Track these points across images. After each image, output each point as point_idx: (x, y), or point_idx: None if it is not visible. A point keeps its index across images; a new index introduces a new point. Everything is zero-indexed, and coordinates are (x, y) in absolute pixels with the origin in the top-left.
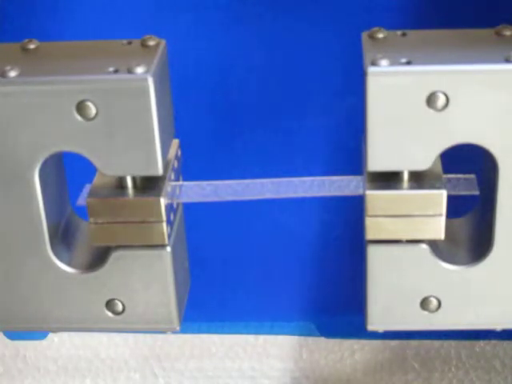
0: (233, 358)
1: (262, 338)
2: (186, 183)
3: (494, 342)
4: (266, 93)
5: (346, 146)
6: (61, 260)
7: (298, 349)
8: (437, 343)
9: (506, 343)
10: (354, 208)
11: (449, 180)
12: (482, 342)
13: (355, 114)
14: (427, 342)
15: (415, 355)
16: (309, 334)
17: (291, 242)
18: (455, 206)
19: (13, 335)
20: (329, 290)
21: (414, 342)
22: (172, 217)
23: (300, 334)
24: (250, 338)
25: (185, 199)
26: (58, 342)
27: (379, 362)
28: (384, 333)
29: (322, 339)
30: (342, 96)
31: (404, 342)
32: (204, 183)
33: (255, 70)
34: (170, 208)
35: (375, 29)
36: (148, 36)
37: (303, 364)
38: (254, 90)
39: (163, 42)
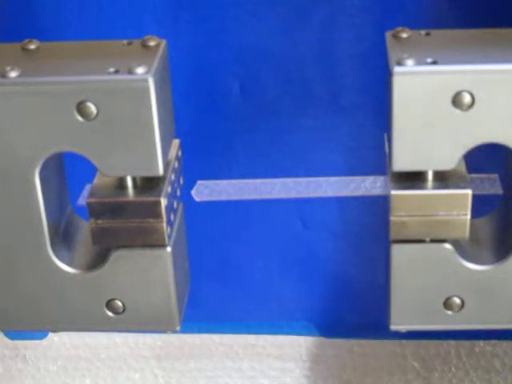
0: (233, 357)
1: (262, 337)
2: (203, 182)
3: (493, 341)
4: (266, 93)
5: (341, 147)
6: (61, 260)
7: (297, 349)
8: (437, 343)
9: (505, 343)
10: (355, 208)
11: (472, 180)
12: (481, 342)
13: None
14: (427, 342)
15: (415, 355)
16: (309, 333)
17: (291, 242)
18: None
19: (13, 335)
20: (329, 289)
21: (413, 342)
22: (172, 217)
23: (300, 334)
24: (250, 337)
25: (214, 197)
26: (58, 342)
27: (379, 362)
28: (384, 333)
29: (322, 339)
30: (340, 96)
31: (404, 342)
32: (225, 182)
33: (256, 70)
34: (170, 208)
35: (399, 28)
36: (148, 36)
37: (303, 364)
38: (254, 90)
39: (163, 42)
